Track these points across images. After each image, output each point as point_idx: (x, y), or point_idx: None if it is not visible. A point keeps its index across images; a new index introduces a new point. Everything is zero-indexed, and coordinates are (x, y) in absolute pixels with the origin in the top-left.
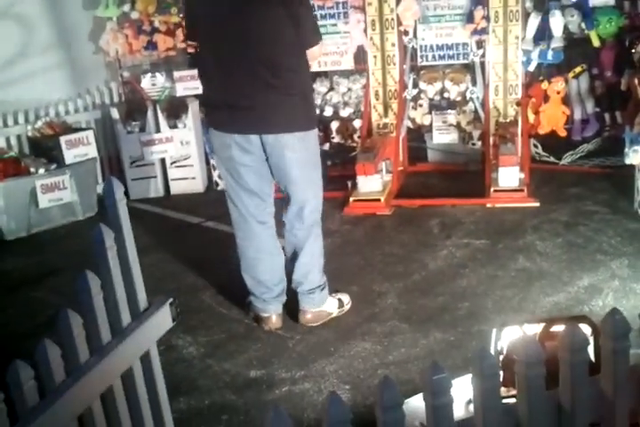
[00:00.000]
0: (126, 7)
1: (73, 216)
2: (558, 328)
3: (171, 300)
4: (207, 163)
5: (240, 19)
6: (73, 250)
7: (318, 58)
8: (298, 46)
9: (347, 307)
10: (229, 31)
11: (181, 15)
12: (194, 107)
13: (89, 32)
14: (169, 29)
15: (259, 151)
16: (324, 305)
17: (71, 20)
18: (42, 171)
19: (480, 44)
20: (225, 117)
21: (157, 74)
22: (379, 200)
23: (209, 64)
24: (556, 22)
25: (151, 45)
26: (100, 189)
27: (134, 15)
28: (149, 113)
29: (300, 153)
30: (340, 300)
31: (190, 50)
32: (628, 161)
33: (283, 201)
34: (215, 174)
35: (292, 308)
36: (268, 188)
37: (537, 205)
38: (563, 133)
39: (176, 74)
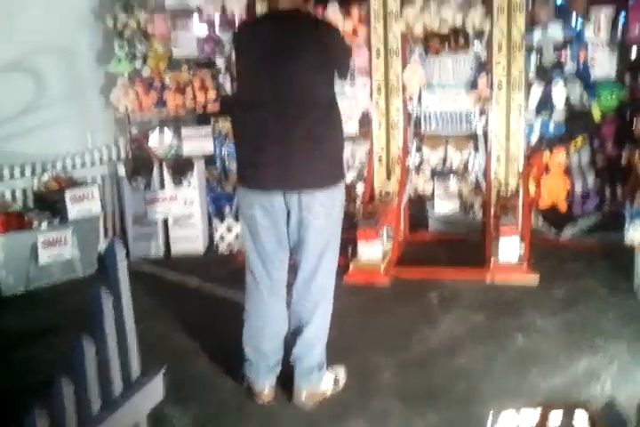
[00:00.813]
0: (138, 63)
1: (73, 273)
2: (555, 416)
3: (163, 371)
4: (210, 223)
5: (278, 65)
6: (71, 308)
7: None
8: (333, 97)
9: (341, 383)
10: (267, 78)
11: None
12: (199, 165)
13: (100, 87)
14: (179, 87)
15: (281, 213)
16: (320, 384)
17: (83, 74)
18: (44, 225)
19: (483, 113)
20: (251, 173)
21: (166, 131)
22: (378, 269)
23: (248, 115)
24: (559, 93)
25: (161, 102)
26: (101, 246)
27: (145, 72)
28: (155, 170)
29: (320, 219)
30: (335, 377)
31: (199, 109)
32: (628, 238)
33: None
34: (217, 236)
35: (285, 380)
36: (285, 255)
37: (537, 280)
38: (564, 208)
39: (184, 132)
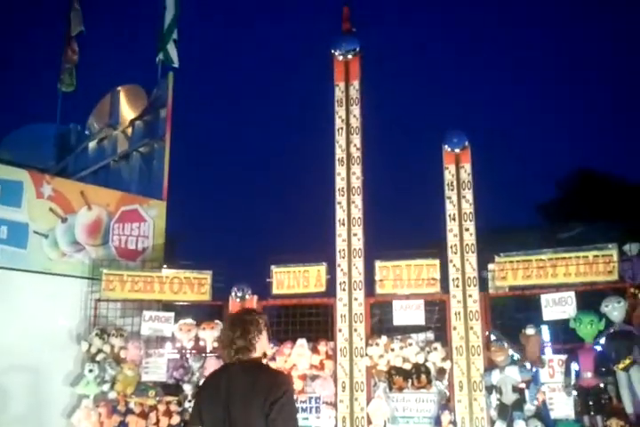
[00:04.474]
0: (106, 387)
1: None
2: None
3: None
4: None
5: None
6: None
7: None
8: None
9: None
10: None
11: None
12: None
13: (63, 407)
14: (143, 412)
15: None
16: None
17: (48, 394)
18: None
19: None
20: None
21: None
22: None
23: None
24: None
25: (122, 426)
26: None
27: (112, 395)
28: None
29: None
30: None
31: None
32: None
33: None
34: None
35: None
36: None
37: None
38: None
39: None
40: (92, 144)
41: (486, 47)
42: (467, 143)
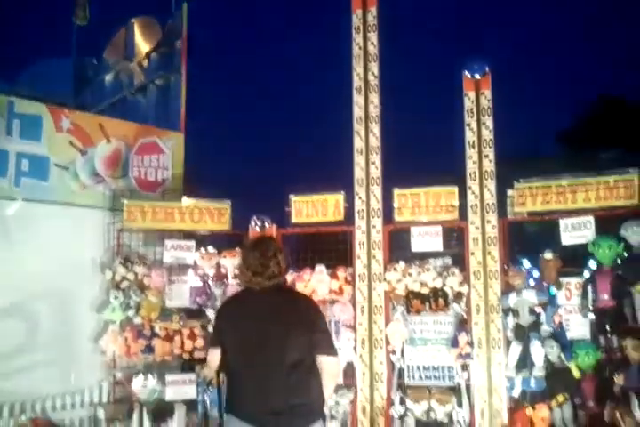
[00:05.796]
0: (131, 312)
1: None
2: None
3: None
4: None
5: (262, 328)
6: None
7: (336, 374)
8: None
9: None
10: (252, 339)
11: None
12: (180, 411)
13: (91, 332)
14: (168, 335)
15: None
16: None
17: (76, 319)
18: None
19: (465, 368)
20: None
21: (149, 376)
22: None
23: (237, 372)
24: (537, 352)
25: (148, 349)
26: None
27: (137, 320)
28: (135, 415)
29: None
30: None
31: (185, 356)
32: None
33: None
34: None
35: None
36: None
37: None
38: None
39: (168, 377)
40: (108, 77)
41: None
42: (487, 69)
